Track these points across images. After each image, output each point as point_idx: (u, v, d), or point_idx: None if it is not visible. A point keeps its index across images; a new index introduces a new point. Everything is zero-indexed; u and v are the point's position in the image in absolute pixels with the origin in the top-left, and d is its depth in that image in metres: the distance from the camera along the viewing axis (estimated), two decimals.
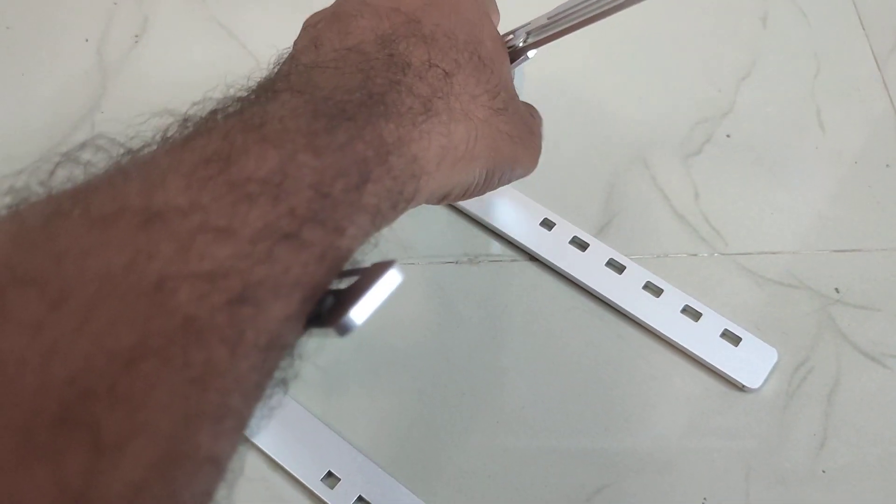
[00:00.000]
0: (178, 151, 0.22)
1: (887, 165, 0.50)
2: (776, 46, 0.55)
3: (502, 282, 0.46)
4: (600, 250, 0.46)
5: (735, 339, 0.43)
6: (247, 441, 0.41)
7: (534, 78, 0.54)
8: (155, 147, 0.23)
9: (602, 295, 0.45)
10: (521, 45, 0.37)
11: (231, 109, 0.25)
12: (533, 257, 0.47)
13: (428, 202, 0.31)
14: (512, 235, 0.46)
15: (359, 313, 0.23)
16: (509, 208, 0.47)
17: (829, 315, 0.45)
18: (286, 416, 0.42)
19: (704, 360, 0.43)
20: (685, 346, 0.43)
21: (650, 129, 0.51)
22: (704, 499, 0.40)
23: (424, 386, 0.43)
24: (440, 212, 0.48)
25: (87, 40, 0.55)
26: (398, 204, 0.26)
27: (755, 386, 0.42)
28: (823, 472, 0.41)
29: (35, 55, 0.54)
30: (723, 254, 0.47)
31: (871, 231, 0.47)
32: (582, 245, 0.46)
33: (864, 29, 0.55)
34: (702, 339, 0.43)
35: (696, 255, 0.47)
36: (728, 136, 0.51)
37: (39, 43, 0.55)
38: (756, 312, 0.45)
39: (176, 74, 0.53)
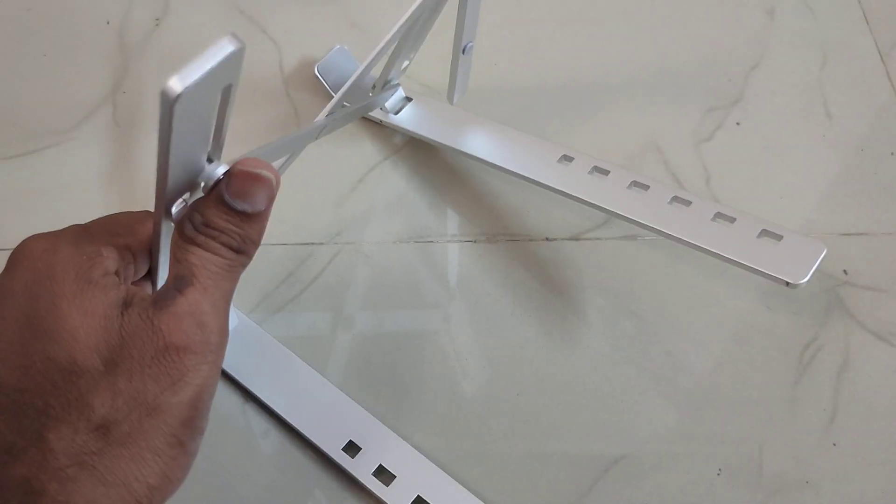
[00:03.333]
0: None
1: (892, 153, 0.51)
2: (783, 39, 0.56)
3: (521, 260, 0.47)
4: (622, 175, 0.44)
5: (776, 238, 0.40)
6: (268, 410, 0.42)
7: (550, 66, 0.55)
8: None
9: (626, 215, 0.42)
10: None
11: None
12: (549, 238, 0.48)
13: None
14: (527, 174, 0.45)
15: (183, 77, 0.23)
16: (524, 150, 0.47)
17: (837, 295, 0.46)
18: (308, 386, 0.42)
19: (744, 264, 0.39)
20: (721, 252, 0.40)
21: (663, 116, 0.53)
22: (720, 470, 0.41)
23: (447, 357, 0.44)
24: (458, 191, 0.49)
25: (108, 22, 0.55)
26: None
27: (802, 280, 0.38)
28: (834, 444, 0.42)
29: (56, 36, 0.55)
30: None
31: (877, 216, 0.49)
32: (604, 171, 0.44)
33: (868, 23, 0.57)
34: (738, 242, 0.40)
35: None
36: (738, 123, 0.52)
37: (61, 24, 0.55)
38: (766, 293, 0.46)
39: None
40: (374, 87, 0.47)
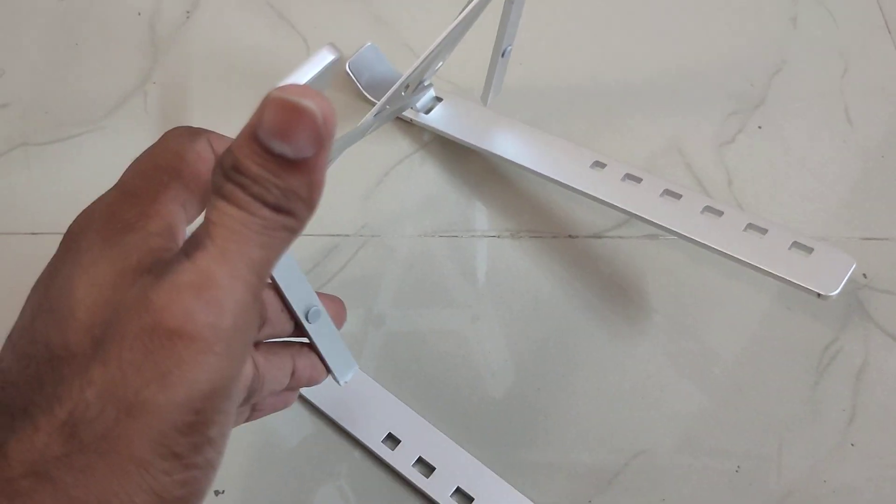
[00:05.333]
0: None
1: None
2: (805, 45, 0.57)
3: (545, 256, 0.48)
4: (654, 183, 0.44)
5: (807, 250, 0.41)
6: (309, 404, 0.42)
7: (574, 68, 0.56)
8: None
9: (660, 223, 0.43)
10: None
11: None
12: (572, 235, 0.48)
13: None
14: (559, 178, 0.46)
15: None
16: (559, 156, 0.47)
17: (857, 299, 0.47)
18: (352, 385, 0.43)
19: (777, 275, 0.40)
20: (754, 262, 0.41)
21: (685, 119, 0.53)
22: (738, 467, 0.42)
23: (471, 351, 0.44)
24: (483, 187, 0.50)
25: (139, 14, 0.56)
26: None
27: (833, 292, 0.39)
28: (852, 445, 0.42)
29: (88, 27, 0.56)
30: None
31: None
32: (636, 179, 0.45)
33: (889, 31, 0.57)
34: (770, 253, 0.41)
35: None
36: (760, 127, 0.53)
37: (92, 16, 0.56)
38: (786, 294, 0.46)
39: (226, 51, 0.55)
40: (407, 87, 0.48)
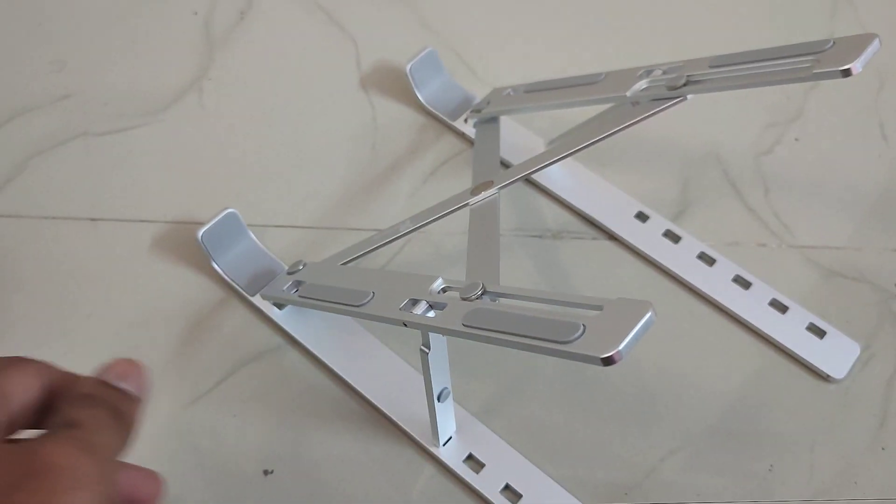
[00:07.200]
0: None
1: None
2: None
3: (584, 258, 0.49)
4: (692, 244, 0.49)
5: (820, 333, 0.46)
6: (363, 398, 0.44)
7: None
8: None
9: (690, 283, 0.48)
10: (680, 84, 0.41)
11: None
12: (613, 236, 0.50)
13: None
14: (603, 222, 0.50)
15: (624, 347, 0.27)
16: (599, 194, 0.51)
17: (889, 308, 0.48)
18: (399, 377, 0.44)
19: (792, 351, 0.46)
20: (772, 335, 0.46)
21: (723, 129, 0.55)
22: (771, 466, 0.43)
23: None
24: (527, 191, 0.51)
25: (195, 13, 0.58)
26: None
27: (840, 376, 0.45)
28: (883, 449, 0.44)
29: (145, 25, 0.58)
30: (791, 246, 0.50)
31: None
32: (675, 237, 0.49)
33: None
34: (788, 330, 0.46)
35: (765, 245, 0.50)
36: (796, 139, 0.54)
37: (150, 14, 0.58)
38: (821, 300, 0.48)
39: (277, 51, 0.57)
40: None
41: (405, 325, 0.35)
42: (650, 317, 0.28)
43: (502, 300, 0.34)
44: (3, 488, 0.23)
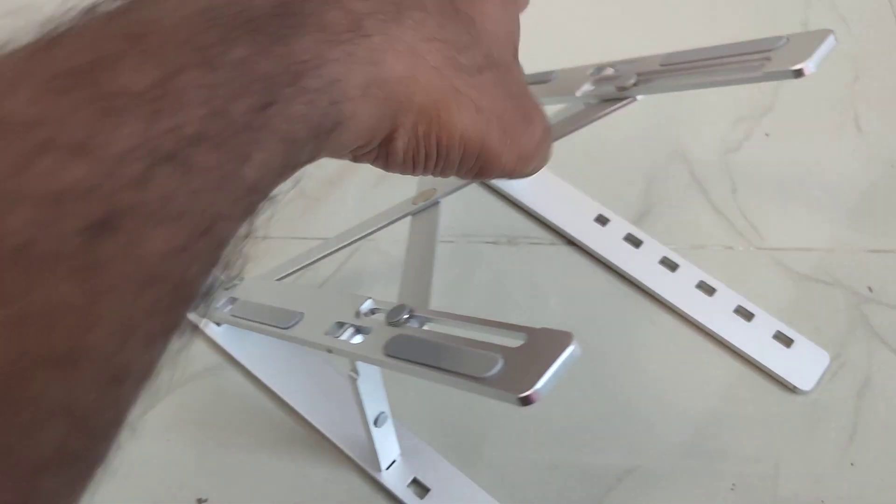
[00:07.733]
0: (37, 57, 0.19)
1: None
2: None
3: (541, 265, 0.47)
4: (654, 248, 0.47)
5: (788, 341, 0.44)
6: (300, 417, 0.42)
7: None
8: (13, 48, 0.19)
9: (651, 289, 0.45)
10: (630, 84, 0.37)
11: (113, 8, 0.21)
12: (571, 241, 0.47)
13: (362, 153, 0.26)
14: (561, 226, 0.47)
15: (543, 385, 0.24)
16: (557, 196, 0.48)
17: (861, 313, 0.46)
18: (342, 397, 0.42)
19: (757, 361, 0.43)
20: (737, 344, 0.44)
21: (690, 125, 0.52)
22: (733, 485, 0.41)
23: None
24: (481, 193, 0.49)
25: None
26: (319, 134, 0.22)
27: (808, 388, 0.43)
28: (852, 464, 0.41)
29: None
30: (758, 248, 0.47)
31: None
32: (636, 241, 0.47)
33: None
34: (754, 339, 0.44)
35: (731, 248, 0.48)
36: (767, 134, 0.52)
37: None
38: (789, 306, 0.45)
39: None
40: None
41: (329, 352, 0.33)
42: (572, 351, 0.25)
43: (430, 324, 0.31)
44: None
